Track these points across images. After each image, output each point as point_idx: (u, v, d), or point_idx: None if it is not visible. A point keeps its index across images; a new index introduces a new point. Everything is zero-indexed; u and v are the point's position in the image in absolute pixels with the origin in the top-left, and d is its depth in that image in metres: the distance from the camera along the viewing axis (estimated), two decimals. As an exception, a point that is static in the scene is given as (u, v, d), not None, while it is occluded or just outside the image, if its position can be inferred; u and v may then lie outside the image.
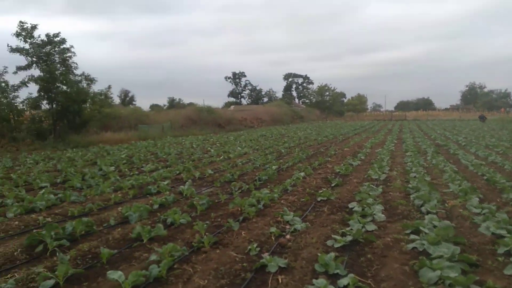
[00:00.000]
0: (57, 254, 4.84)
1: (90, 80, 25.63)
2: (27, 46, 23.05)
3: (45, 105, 24.71)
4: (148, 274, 4.23)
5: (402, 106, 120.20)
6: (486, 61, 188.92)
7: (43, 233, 5.47)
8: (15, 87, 22.83)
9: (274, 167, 12.07)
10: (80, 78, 25.29)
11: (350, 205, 7.29)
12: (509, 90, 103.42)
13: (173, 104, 79.63)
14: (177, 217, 6.48)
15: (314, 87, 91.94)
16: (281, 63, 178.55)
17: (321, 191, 8.53)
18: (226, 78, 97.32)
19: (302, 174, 10.77)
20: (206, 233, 5.82)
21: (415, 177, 10.01)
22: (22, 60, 23.41)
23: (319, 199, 8.06)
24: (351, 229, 5.61)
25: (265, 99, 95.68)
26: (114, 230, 6.23)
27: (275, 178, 10.76)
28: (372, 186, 9.01)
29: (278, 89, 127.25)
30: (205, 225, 5.94)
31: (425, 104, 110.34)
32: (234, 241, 5.53)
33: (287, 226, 6.21)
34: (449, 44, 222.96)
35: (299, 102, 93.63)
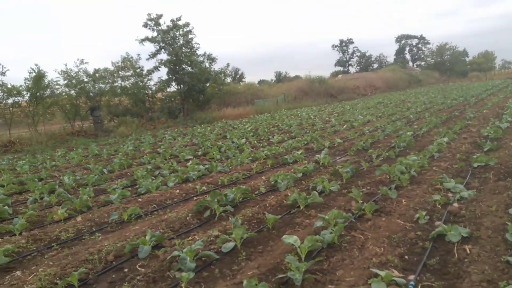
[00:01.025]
0: (229, 219, 5.15)
1: (212, 59, 27.00)
2: (155, 34, 25.10)
3: (174, 86, 26.83)
4: (321, 239, 4.23)
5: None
6: None
7: (208, 199, 5.87)
8: (149, 72, 25.17)
9: (409, 133, 11.33)
10: (202, 58, 26.80)
11: (519, 171, 6.45)
12: None
13: (280, 78, 80.00)
14: (326, 184, 6.43)
15: (432, 47, 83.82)
16: (391, 24, 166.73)
17: (475, 156, 7.70)
18: (333, 46, 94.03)
19: (446, 139, 9.89)
20: (361, 201, 5.66)
21: None
22: (151, 48, 25.58)
23: (475, 165, 7.29)
24: (535, 197, 4.93)
25: (375, 65, 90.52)
26: (267, 197, 6.44)
27: (413, 145, 10.09)
28: (538, 149, 7.87)
29: (389, 53, 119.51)
30: (361, 192, 5.77)
31: None
32: (397, 209, 5.28)
33: (450, 194, 5.73)
34: None
35: (413, 65, 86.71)
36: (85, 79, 21.51)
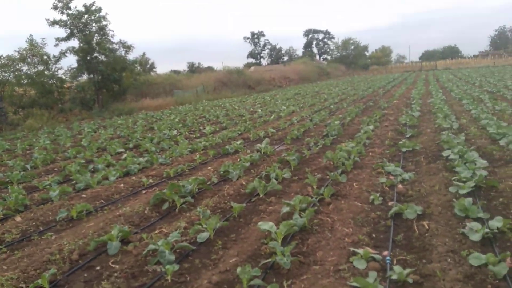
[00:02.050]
0: (197, 209, 5.06)
1: (128, 47, 25.69)
2: (64, 17, 23.12)
3: (86, 75, 25.00)
4: (295, 224, 4.38)
5: (428, 56, 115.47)
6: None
7: (165, 191, 5.70)
8: (56, 59, 23.12)
9: (336, 122, 12.04)
10: (117, 46, 25.38)
11: (444, 154, 7.24)
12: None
13: (193, 68, 78.86)
14: (279, 172, 6.61)
15: (338, 42, 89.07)
16: (300, 18, 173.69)
17: (401, 142, 8.48)
18: (245, 38, 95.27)
19: (371, 127, 10.71)
20: (315, 186, 5.95)
21: (488, 123, 9.80)
22: (61, 33, 23.59)
23: (404, 149, 8.04)
24: (466, 176, 5.60)
25: (285, 58, 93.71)
26: (222, 187, 6.43)
27: (342, 133, 10.76)
28: (451, 134, 8.90)
29: (298, 46, 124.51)
30: (316, 178, 6.05)
31: (452, 52, 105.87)
32: (351, 192, 5.65)
33: (391, 177, 6.26)
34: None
35: (320, 58, 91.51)
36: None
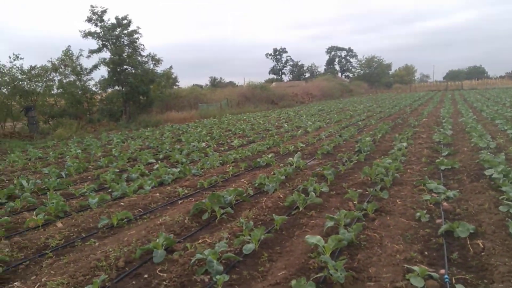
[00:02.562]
0: (240, 220, 5.00)
1: (157, 61, 26.12)
2: (98, 30, 23.80)
3: (115, 87, 25.52)
4: (343, 238, 4.27)
5: (452, 75, 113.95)
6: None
7: (204, 202, 5.68)
8: (88, 71, 23.73)
9: (368, 139, 11.88)
10: (146, 59, 25.86)
11: (486, 173, 7.01)
12: None
13: (215, 83, 79.74)
14: (317, 186, 6.51)
15: (362, 59, 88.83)
16: (322, 37, 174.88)
17: (439, 160, 8.28)
18: (267, 55, 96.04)
19: (405, 144, 10.51)
20: (355, 201, 5.84)
21: (528, 144, 9.51)
22: (94, 44, 24.26)
23: (442, 167, 7.83)
24: (515, 195, 5.39)
25: (307, 75, 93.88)
26: (258, 199, 6.36)
27: (374, 149, 10.59)
28: (490, 154, 8.64)
29: (320, 63, 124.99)
30: (357, 193, 5.93)
31: (478, 73, 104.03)
32: (395, 209, 5.49)
33: (434, 194, 6.08)
34: (501, 8, 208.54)
35: (342, 75, 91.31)
36: (19, 77, 19.71)
